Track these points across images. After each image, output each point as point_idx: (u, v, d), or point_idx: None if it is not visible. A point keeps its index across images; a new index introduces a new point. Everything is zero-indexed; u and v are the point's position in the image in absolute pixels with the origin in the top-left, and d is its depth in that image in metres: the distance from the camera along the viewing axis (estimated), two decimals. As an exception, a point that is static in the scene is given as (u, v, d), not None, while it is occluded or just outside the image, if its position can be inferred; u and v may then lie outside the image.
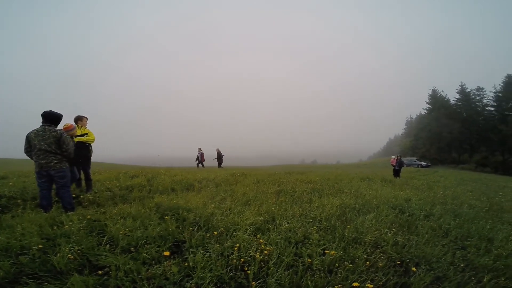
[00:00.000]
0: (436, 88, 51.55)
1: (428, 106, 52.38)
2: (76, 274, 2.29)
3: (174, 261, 2.62)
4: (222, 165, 19.51)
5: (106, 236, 3.03)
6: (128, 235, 3.04)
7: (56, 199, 4.56)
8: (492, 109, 45.48)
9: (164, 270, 2.42)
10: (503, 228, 4.68)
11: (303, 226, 3.81)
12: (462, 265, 2.99)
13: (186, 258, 2.69)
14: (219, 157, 19.41)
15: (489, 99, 45.68)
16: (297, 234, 3.45)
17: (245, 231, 3.38)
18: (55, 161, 4.15)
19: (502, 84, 43.90)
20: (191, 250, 2.85)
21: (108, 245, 2.85)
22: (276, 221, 3.92)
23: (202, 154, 18.48)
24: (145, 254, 2.67)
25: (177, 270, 2.42)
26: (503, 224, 4.99)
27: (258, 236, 3.31)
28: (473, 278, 2.73)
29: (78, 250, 2.64)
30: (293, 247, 3.07)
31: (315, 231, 3.57)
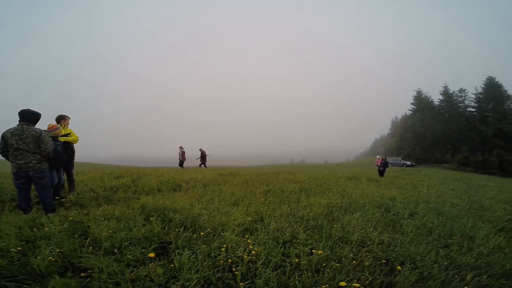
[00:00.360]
0: (420, 89, 53.12)
1: (413, 107, 53.76)
2: (57, 276, 2.23)
3: (160, 263, 2.57)
4: (205, 165, 18.81)
5: (89, 238, 2.95)
6: (112, 237, 2.97)
7: (37, 200, 4.40)
8: (473, 110, 47.11)
9: (149, 271, 2.37)
10: (484, 226, 4.83)
11: (291, 226, 3.82)
12: (445, 264, 3.05)
13: (172, 259, 2.64)
14: (203, 157, 18.72)
15: (470, 100, 47.40)
16: (285, 234, 3.45)
17: (232, 232, 3.36)
18: (34, 161, 3.98)
19: (483, 86, 45.53)
20: (177, 251, 2.81)
21: (91, 247, 2.78)
22: (264, 221, 3.92)
23: (183, 153, 17.73)
24: (129, 256, 2.61)
25: (163, 271, 2.38)
26: (484, 222, 5.15)
27: (246, 236, 3.29)
28: (456, 276, 2.79)
29: (59, 252, 2.55)
30: (281, 247, 3.07)
31: (302, 231, 3.58)
